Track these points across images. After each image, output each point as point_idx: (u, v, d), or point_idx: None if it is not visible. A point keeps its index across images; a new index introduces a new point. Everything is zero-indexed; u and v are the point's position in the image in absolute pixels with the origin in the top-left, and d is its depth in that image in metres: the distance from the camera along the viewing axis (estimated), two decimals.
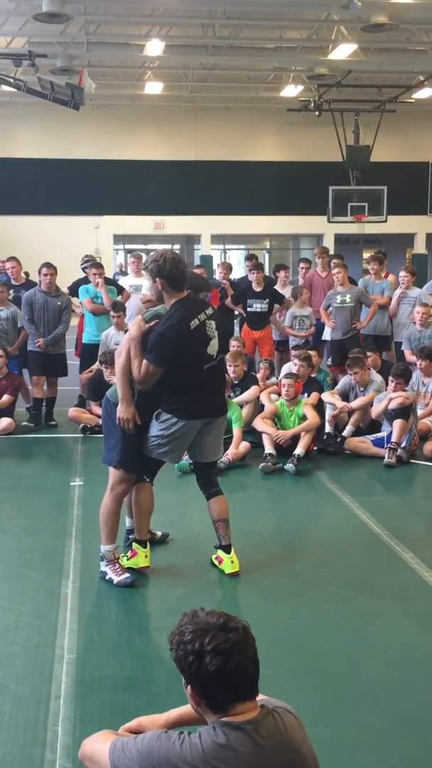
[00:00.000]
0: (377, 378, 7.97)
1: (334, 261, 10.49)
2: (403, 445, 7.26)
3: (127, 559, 4.73)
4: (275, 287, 10.00)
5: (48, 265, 8.76)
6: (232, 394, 7.64)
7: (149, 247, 24.75)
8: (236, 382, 7.89)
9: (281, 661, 3.64)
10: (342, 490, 6.47)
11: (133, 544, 4.77)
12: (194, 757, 1.90)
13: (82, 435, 8.22)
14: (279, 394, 7.59)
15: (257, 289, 9.57)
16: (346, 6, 14.29)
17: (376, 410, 7.58)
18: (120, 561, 4.67)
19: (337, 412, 7.75)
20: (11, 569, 4.95)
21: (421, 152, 25.40)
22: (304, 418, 7.28)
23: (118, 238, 25.47)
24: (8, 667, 3.71)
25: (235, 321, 10.70)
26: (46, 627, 4.09)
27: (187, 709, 2.23)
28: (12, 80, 16.15)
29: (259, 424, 7.37)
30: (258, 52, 18.74)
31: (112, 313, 8.85)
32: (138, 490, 4.70)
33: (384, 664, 3.74)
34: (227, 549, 4.75)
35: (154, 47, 17.56)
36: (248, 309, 9.58)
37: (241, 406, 7.58)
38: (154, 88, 21.77)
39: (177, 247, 27.84)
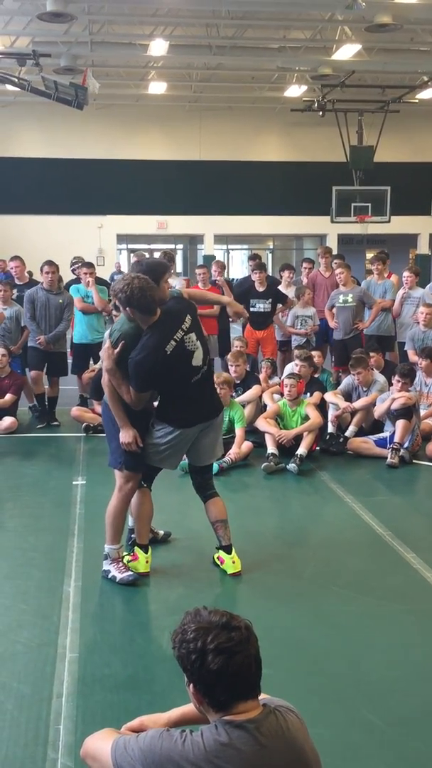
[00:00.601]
0: (380, 378, 7.98)
1: (335, 261, 10.50)
2: (405, 445, 7.26)
3: (128, 562, 4.72)
4: (279, 287, 10.01)
5: (50, 263, 8.79)
6: (234, 394, 7.65)
7: (152, 246, 24.74)
8: (238, 381, 7.89)
9: (282, 660, 3.64)
10: (344, 490, 6.47)
11: (135, 548, 4.77)
12: (196, 756, 1.90)
13: (84, 434, 8.23)
14: (281, 394, 7.60)
15: (260, 289, 9.57)
16: (350, 6, 14.29)
17: (379, 410, 7.58)
18: (123, 560, 4.68)
19: (339, 413, 7.75)
20: (14, 568, 4.95)
21: (424, 153, 25.37)
22: (306, 418, 7.29)
23: (122, 238, 25.48)
24: (10, 665, 3.72)
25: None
26: (48, 626, 4.10)
27: (189, 708, 2.24)
28: (16, 80, 16.13)
29: (262, 423, 7.37)
30: (262, 52, 18.73)
31: (114, 312, 8.85)
32: (137, 496, 4.69)
33: (385, 665, 3.74)
34: (228, 549, 4.76)
35: (158, 47, 17.56)
36: (251, 309, 9.57)
37: (244, 406, 7.58)
38: (157, 88, 21.77)
39: (180, 246, 27.86)
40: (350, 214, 20.08)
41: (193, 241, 27.82)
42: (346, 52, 17.70)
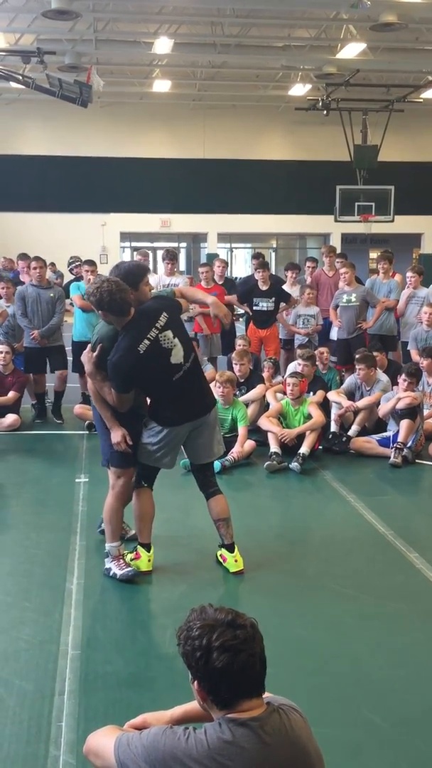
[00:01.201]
0: (383, 378, 7.97)
1: (338, 261, 10.48)
2: (409, 445, 7.26)
3: (131, 560, 4.73)
4: (284, 286, 10.00)
5: (37, 258, 8.93)
6: (237, 393, 7.64)
7: (156, 244, 24.74)
8: (242, 380, 7.89)
9: (284, 659, 3.63)
10: (347, 489, 6.47)
11: (138, 546, 4.77)
12: (199, 753, 1.90)
13: (87, 432, 8.23)
14: (284, 393, 7.59)
15: (263, 287, 9.56)
16: (355, 5, 14.29)
17: (384, 410, 7.57)
18: (124, 558, 4.68)
19: (342, 412, 7.75)
20: (16, 565, 4.96)
21: (428, 152, 25.35)
22: (309, 417, 7.29)
23: (125, 236, 25.48)
24: (13, 662, 3.73)
25: (241, 320, 10.70)
26: (51, 623, 4.11)
27: (192, 706, 2.24)
28: (20, 77, 16.13)
29: (265, 422, 7.37)
30: (266, 51, 18.72)
31: None
32: (137, 495, 4.69)
33: (387, 664, 3.74)
34: (230, 548, 4.75)
35: (163, 45, 17.56)
36: (254, 308, 9.58)
37: (247, 405, 7.58)
38: (162, 86, 21.76)
39: (183, 245, 27.86)
40: (354, 213, 20.04)
41: (196, 239, 27.81)
42: (351, 51, 17.70)
